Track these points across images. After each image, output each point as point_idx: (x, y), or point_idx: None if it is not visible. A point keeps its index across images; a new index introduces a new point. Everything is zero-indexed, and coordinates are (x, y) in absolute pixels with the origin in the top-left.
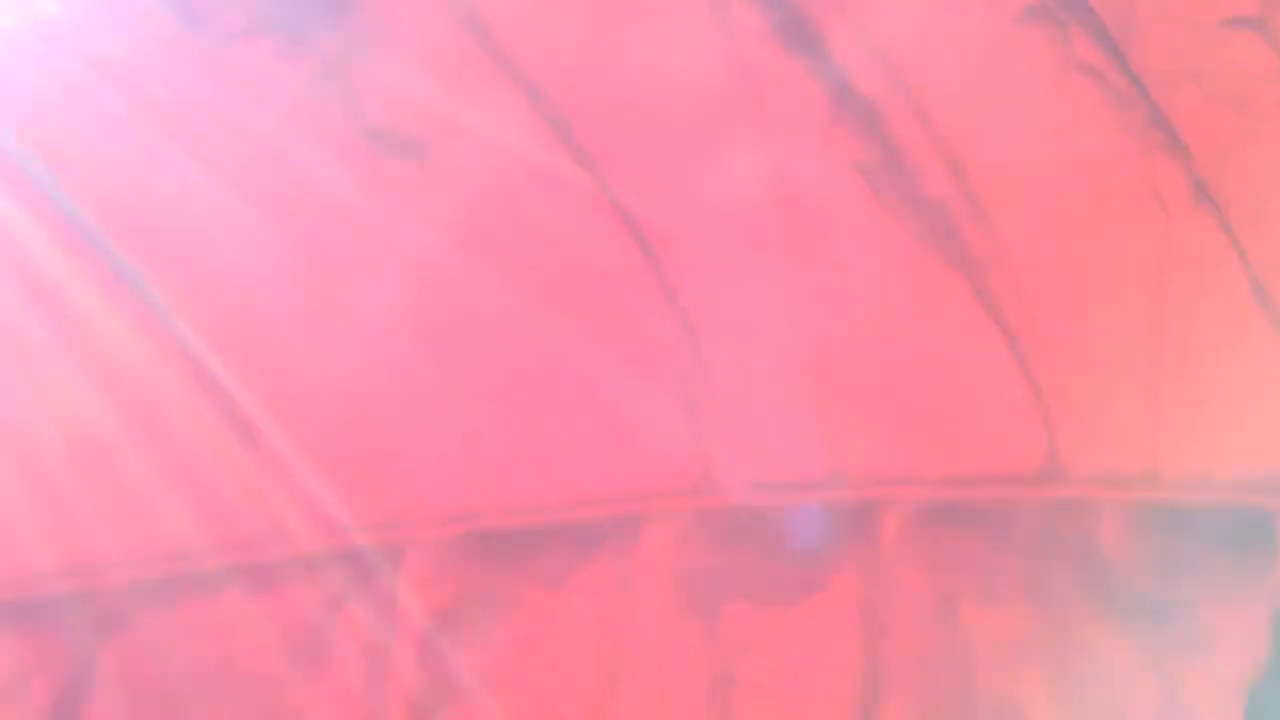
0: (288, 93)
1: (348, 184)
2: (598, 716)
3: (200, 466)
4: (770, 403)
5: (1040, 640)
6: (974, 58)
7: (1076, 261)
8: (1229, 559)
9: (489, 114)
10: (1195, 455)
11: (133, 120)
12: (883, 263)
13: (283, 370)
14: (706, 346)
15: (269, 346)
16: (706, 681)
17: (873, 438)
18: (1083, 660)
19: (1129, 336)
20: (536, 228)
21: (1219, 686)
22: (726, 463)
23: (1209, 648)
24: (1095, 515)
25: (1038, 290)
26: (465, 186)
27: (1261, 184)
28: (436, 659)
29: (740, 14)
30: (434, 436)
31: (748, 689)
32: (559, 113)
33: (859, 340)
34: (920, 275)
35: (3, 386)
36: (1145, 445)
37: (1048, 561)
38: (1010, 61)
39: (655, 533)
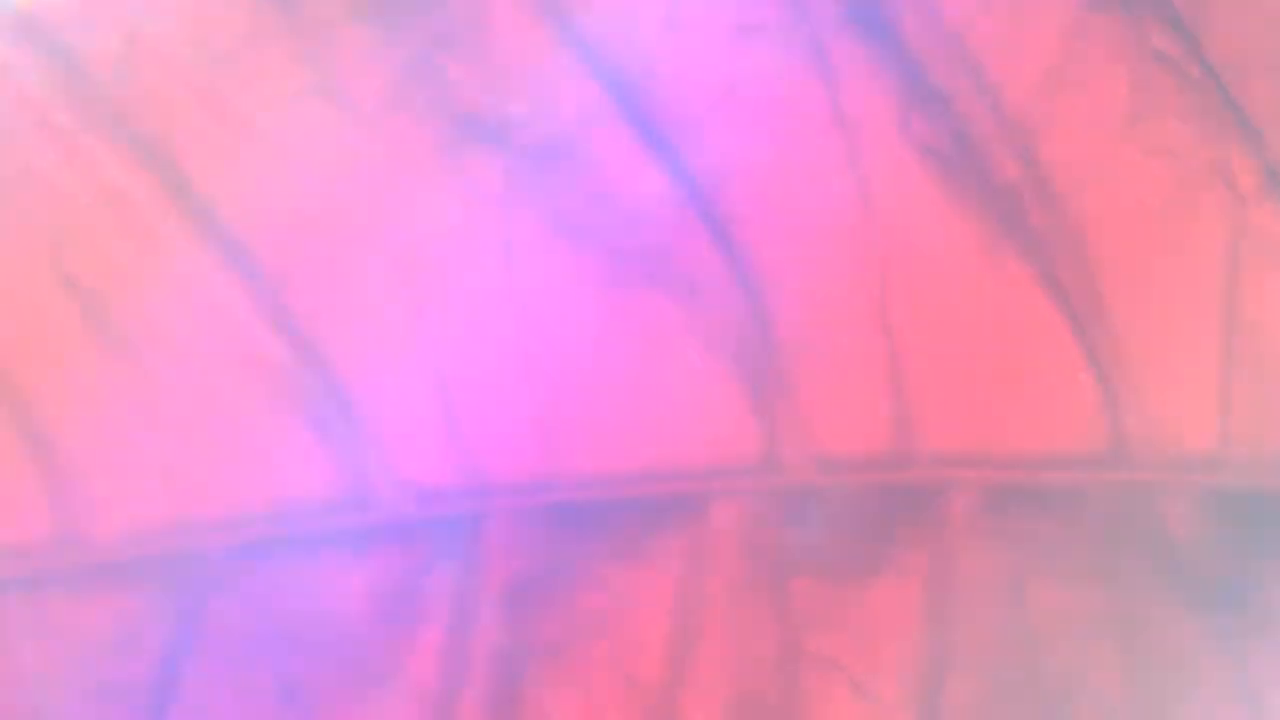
0: (383, 78)
1: (439, 165)
2: (669, 682)
3: (298, 435)
4: (839, 384)
5: (1109, 620)
6: (1046, 45)
7: (1147, 247)
8: None
9: (569, 101)
10: (1264, 439)
11: (239, 99)
12: (953, 248)
13: (376, 344)
14: (776, 327)
15: (363, 318)
16: (775, 652)
17: (941, 420)
18: (1151, 640)
19: (1198, 322)
20: (613, 209)
21: None
22: (794, 442)
23: (1277, 629)
24: (1164, 499)
25: (1107, 276)
26: (546, 169)
27: None
28: (516, 621)
29: (816, 4)
30: (516, 412)
31: (816, 660)
32: (638, 100)
33: (928, 323)
34: (990, 260)
35: (144, 352)
36: (1213, 429)
37: (1117, 544)
38: (1083, 48)
39: (724, 509)
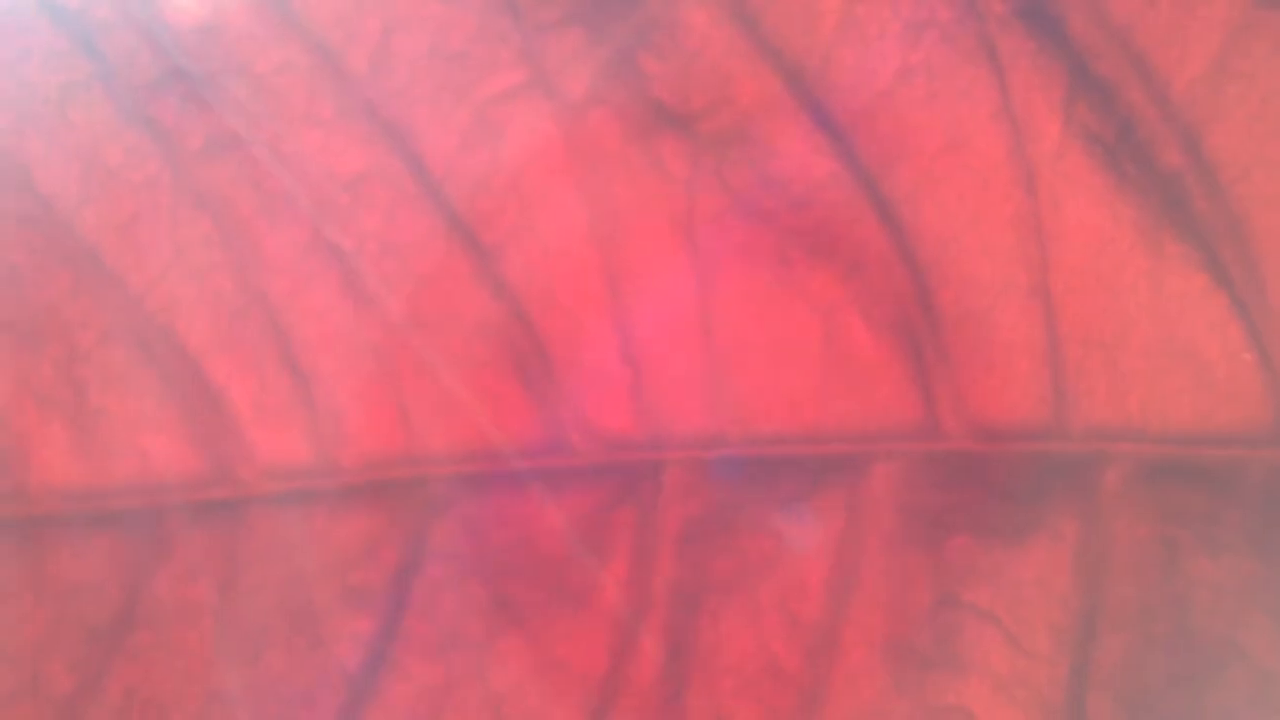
0: (589, 73)
1: (632, 149)
2: (829, 622)
3: (510, 387)
4: (999, 357)
5: (1262, 591)
6: (1212, 39)
7: None
8: None
9: (749, 92)
10: None
11: (470, 90)
12: (1113, 230)
13: (575, 310)
14: (938, 303)
15: (565, 287)
16: (930, 601)
17: (1097, 394)
18: None
19: None
20: (786, 191)
21: None
22: (953, 411)
23: None
24: None
25: (1269, 260)
26: (726, 154)
27: None
28: (691, 559)
29: (985, 1)
30: (694, 374)
31: (970, 611)
32: (813, 92)
33: (1088, 302)
34: (1150, 242)
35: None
36: None
37: (1273, 517)
38: (1250, 42)
39: (884, 470)
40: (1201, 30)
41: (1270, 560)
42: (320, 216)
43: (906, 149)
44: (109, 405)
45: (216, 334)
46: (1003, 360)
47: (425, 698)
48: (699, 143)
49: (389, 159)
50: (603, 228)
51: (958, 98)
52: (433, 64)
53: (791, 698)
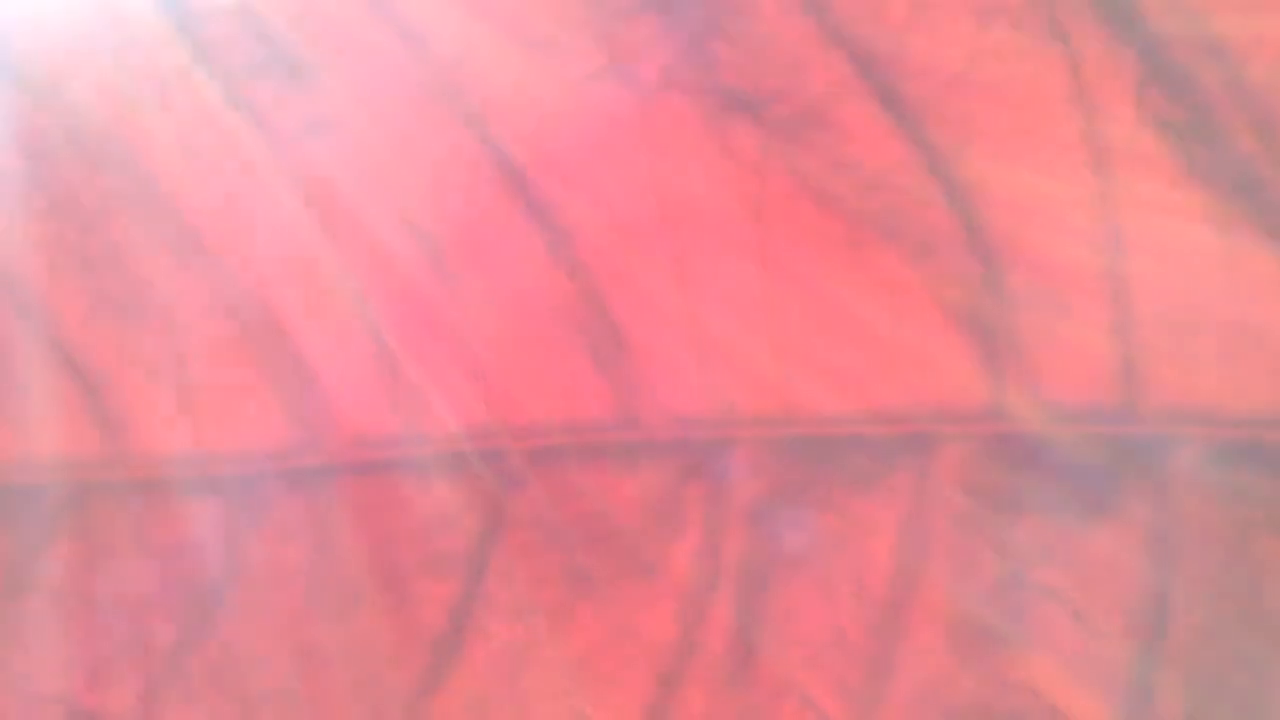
0: (663, 59)
1: (703, 133)
2: (897, 599)
3: (582, 364)
4: (1069, 339)
5: None
6: None
7: None
8: None
9: (820, 78)
10: None
11: (550, 79)
12: (1185, 213)
13: (647, 290)
14: (1008, 285)
15: (637, 267)
16: (997, 580)
17: (1169, 377)
18: None
19: None
20: (855, 175)
21: None
22: (1022, 393)
23: None
24: None
25: None
26: (796, 138)
27: None
28: (760, 533)
29: None
30: (762, 354)
31: (1038, 590)
32: (884, 78)
33: (1160, 285)
34: (1220, 226)
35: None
36: None
37: None
38: None
39: (951, 450)
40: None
41: None
42: (407, 199)
43: (977, 133)
44: (208, 376)
45: (309, 311)
46: (1073, 343)
47: (506, 657)
48: (769, 127)
49: (471, 143)
50: (674, 210)
51: (1028, 82)
52: (517, 51)
53: (859, 670)
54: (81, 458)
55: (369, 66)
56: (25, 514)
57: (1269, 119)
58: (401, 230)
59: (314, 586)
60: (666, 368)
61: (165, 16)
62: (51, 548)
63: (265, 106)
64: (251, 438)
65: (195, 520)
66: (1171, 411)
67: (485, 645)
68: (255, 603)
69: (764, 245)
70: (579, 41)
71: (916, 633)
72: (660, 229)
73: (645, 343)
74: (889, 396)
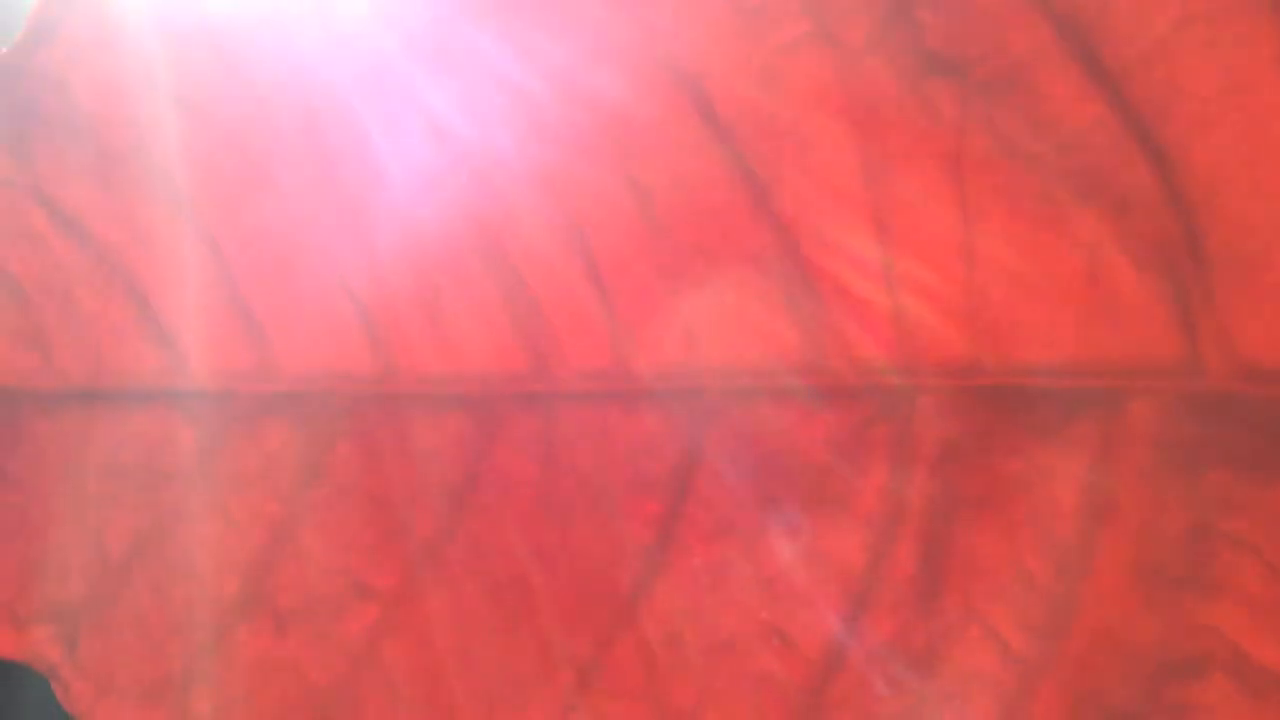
0: (867, 24)
1: (903, 94)
2: (1081, 542)
3: (777, 309)
4: (1266, 298)
5: None
6: None
7: None
8: None
9: (1022, 41)
10: None
11: (756, 41)
12: None
13: (839, 239)
14: (1207, 244)
15: (830, 218)
16: (1185, 529)
17: None
18: None
19: None
20: (1054, 134)
21: None
22: (1218, 351)
23: None
24: None
25: None
26: (995, 99)
27: None
28: (945, 475)
29: None
30: (952, 305)
31: (1227, 540)
32: (1087, 40)
33: None
34: None
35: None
36: None
37: None
38: None
39: (1141, 405)
40: None
41: None
42: (625, 155)
43: (1181, 94)
44: (458, 307)
45: (539, 253)
46: (1271, 302)
47: (705, 572)
48: (970, 89)
49: (684, 104)
50: (873, 167)
51: (1236, 44)
52: (729, 18)
53: (1042, 607)
54: (356, 372)
55: (590, 32)
56: (315, 417)
57: None
58: (620, 182)
59: (541, 496)
60: (858, 317)
61: None
62: (335, 447)
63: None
64: (491, 363)
65: (445, 431)
66: None
67: (687, 560)
68: (494, 505)
69: (961, 201)
70: (787, 7)
71: (1101, 577)
72: (859, 185)
73: (838, 292)
74: (1080, 351)
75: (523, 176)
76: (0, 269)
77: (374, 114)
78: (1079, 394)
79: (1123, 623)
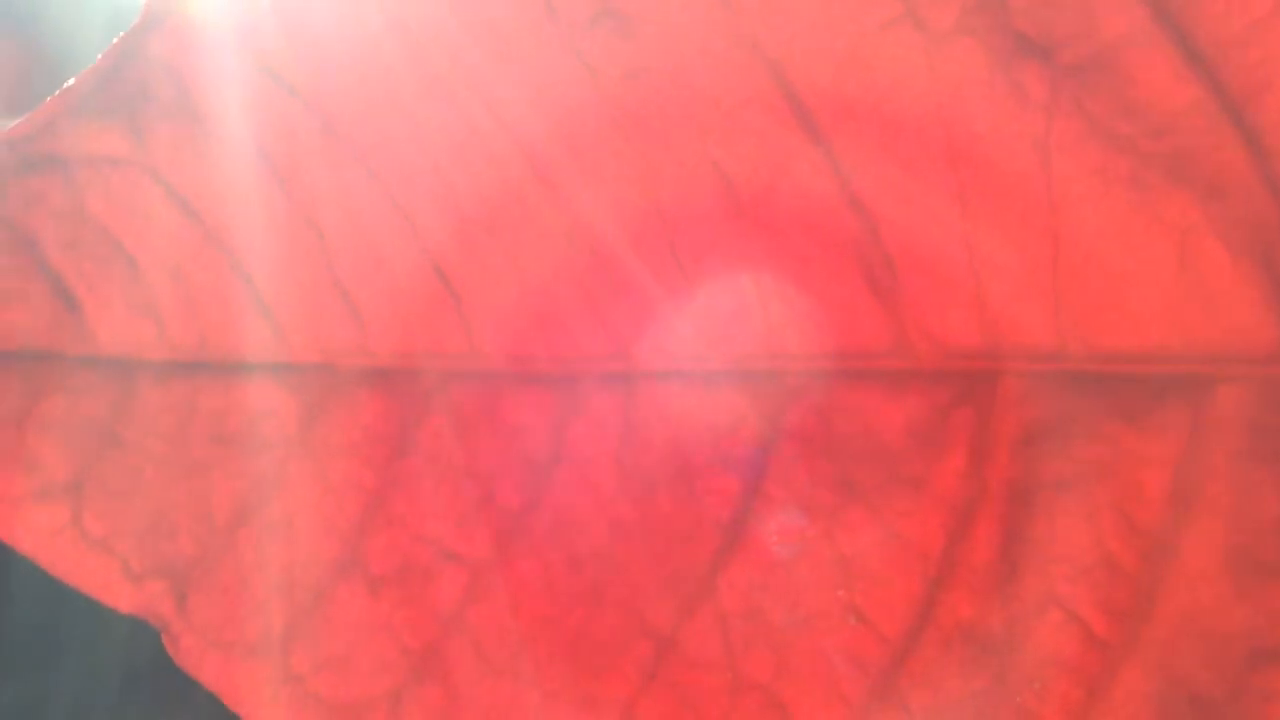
0: (958, 7)
1: (994, 76)
2: (1168, 529)
3: (861, 293)
4: None
5: None
6: None
7: None
8: None
9: (1113, 24)
10: None
11: (852, 23)
12: None
13: (923, 226)
14: None
15: (915, 204)
16: (1275, 518)
17: None
18: None
19: None
20: (1145, 117)
21: None
22: None
23: None
24: None
25: None
26: (1086, 81)
27: None
28: (1026, 459)
29: None
30: (1039, 288)
31: None
32: (1179, 22)
33: None
34: None
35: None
36: None
37: None
38: None
39: (1232, 390)
40: None
41: None
42: (708, 139)
43: (1277, 76)
44: (541, 287)
45: (621, 235)
46: None
47: (784, 550)
48: (1059, 70)
49: (769, 88)
50: (960, 148)
51: None
52: (817, 1)
53: (1126, 591)
54: (446, 349)
55: (685, 19)
56: (407, 391)
57: None
58: (703, 164)
59: (622, 471)
60: (941, 300)
61: None
62: (426, 420)
63: (596, 54)
64: (574, 342)
65: (527, 407)
66: None
67: (764, 536)
68: (576, 480)
69: (1048, 183)
70: None
71: (1188, 562)
72: (945, 167)
73: (922, 275)
74: (1169, 336)
75: (605, 159)
76: (118, 245)
77: (461, 97)
78: (1168, 380)
79: (1210, 608)
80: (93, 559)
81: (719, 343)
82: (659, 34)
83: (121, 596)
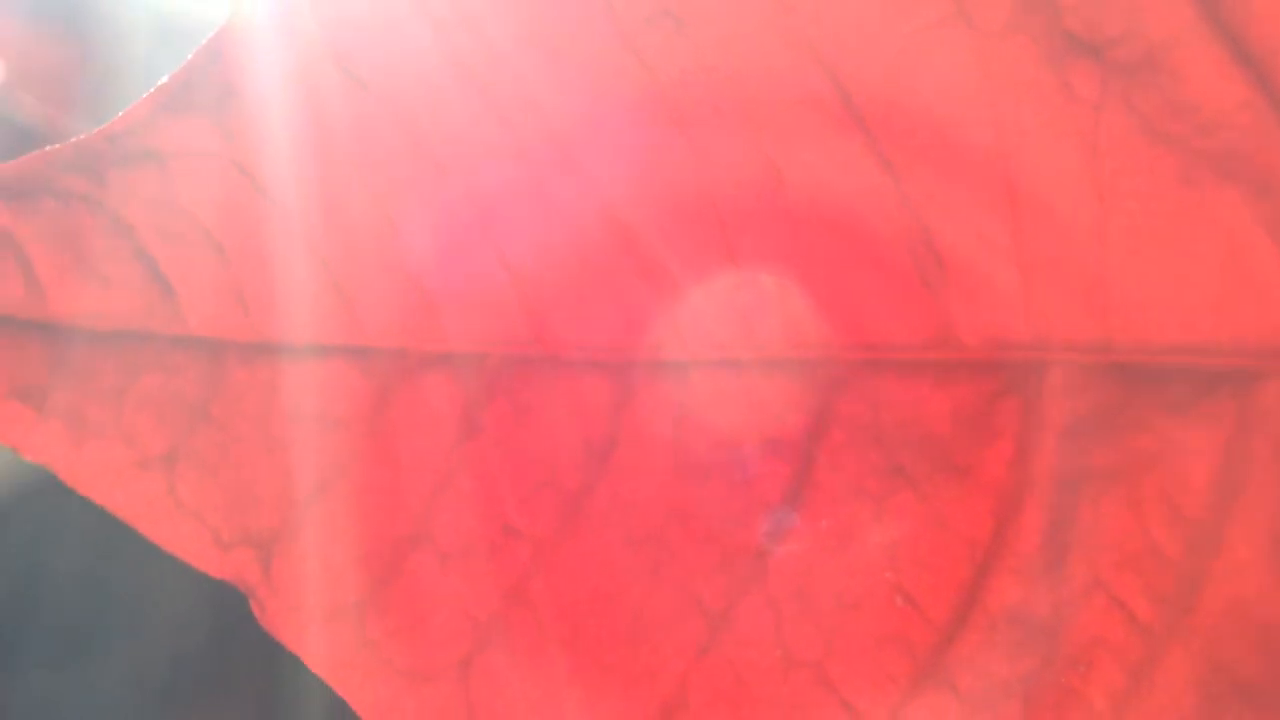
0: (1009, 5)
1: (1043, 75)
2: (1214, 518)
3: (912, 287)
4: None
5: None
6: None
7: None
8: None
9: (1163, 23)
10: None
11: (898, 22)
12: None
13: (969, 220)
14: None
15: (962, 199)
16: None
17: None
18: None
19: None
20: (1195, 115)
21: None
22: None
23: None
24: None
25: None
26: (1136, 80)
27: None
28: (1072, 449)
29: None
30: (1080, 283)
31: None
32: (1229, 22)
33: None
34: None
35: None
36: None
37: None
38: None
39: (1276, 385)
40: None
41: None
42: (762, 137)
43: None
44: (596, 278)
45: (675, 231)
46: None
47: (832, 533)
48: (1109, 68)
49: (820, 84)
50: (1009, 145)
51: None
52: (867, 3)
53: (1170, 579)
54: (510, 336)
55: (741, 19)
56: (473, 376)
57: None
58: (758, 163)
59: (677, 456)
60: (988, 293)
61: None
62: (490, 403)
63: (654, 53)
64: (628, 332)
65: (582, 392)
66: None
67: (814, 521)
68: (632, 463)
69: (1097, 180)
70: None
71: (1233, 551)
72: (994, 163)
73: (969, 268)
74: (1216, 331)
75: (661, 154)
76: (208, 233)
77: (524, 92)
78: (1214, 373)
79: (1257, 597)
80: (187, 527)
81: (771, 333)
82: (716, 34)
83: (213, 563)
